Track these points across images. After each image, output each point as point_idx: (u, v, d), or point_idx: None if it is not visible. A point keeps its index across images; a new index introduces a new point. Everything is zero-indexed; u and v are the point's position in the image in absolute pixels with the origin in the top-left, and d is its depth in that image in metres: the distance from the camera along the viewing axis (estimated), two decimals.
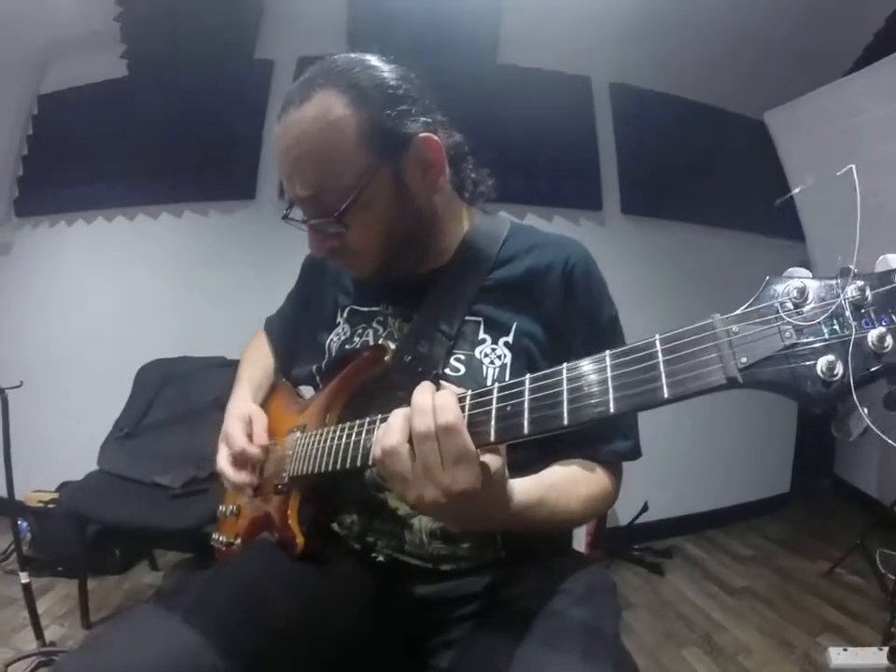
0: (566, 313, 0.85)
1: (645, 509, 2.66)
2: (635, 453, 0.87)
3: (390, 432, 0.59)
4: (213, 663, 0.66)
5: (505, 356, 0.83)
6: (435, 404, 0.56)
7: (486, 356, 0.83)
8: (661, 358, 0.45)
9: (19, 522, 1.79)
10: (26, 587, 1.69)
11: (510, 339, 0.83)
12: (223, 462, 0.91)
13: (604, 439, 0.84)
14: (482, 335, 0.84)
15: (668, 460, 2.47)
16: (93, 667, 0.65)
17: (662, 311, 2.52)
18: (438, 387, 0.60)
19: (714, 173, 2.78)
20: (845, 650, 1.88)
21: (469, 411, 0.56)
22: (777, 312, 0.42)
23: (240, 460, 0.90)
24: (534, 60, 2.65)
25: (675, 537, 2.87)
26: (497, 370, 0.82)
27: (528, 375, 0.53)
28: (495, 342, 0.83)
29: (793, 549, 2.74)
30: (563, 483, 0.78)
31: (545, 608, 0.73)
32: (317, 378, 0.94)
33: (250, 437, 0.92)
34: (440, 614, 0.81)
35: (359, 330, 0.92)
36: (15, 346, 2.75)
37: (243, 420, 0.94)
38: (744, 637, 2.06)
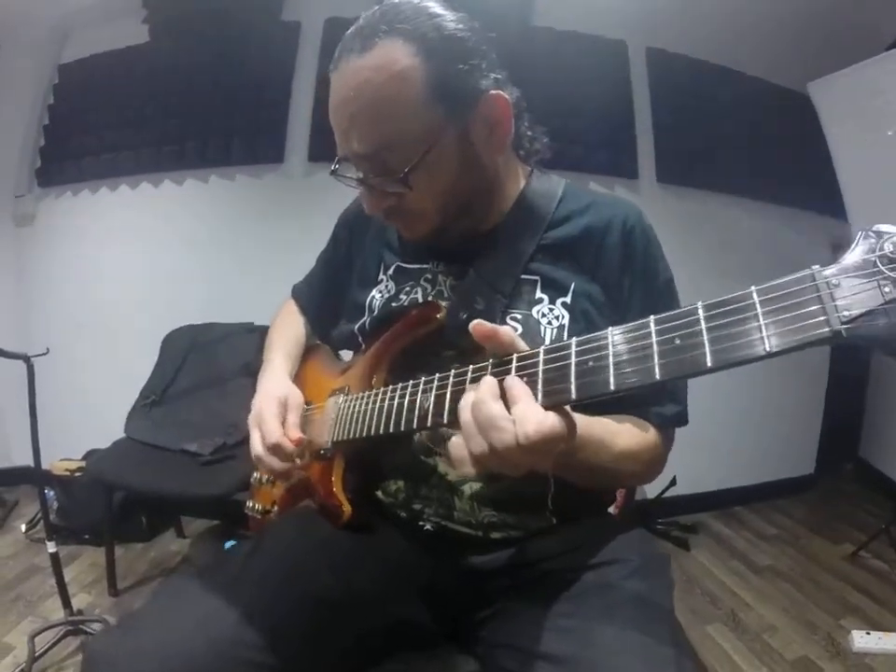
0: (624, 273, 0.82)
1: (673, 483, 2.60)
2: (682, 419, 0.85)
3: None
4: (253, 640, 0.65)
5: (563, 316, 0.80)
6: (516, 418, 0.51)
7: (544, 315, 0.80)
8: (759, 310, 0.42)
9: (45, 490, 1.78)
10: (53, 556, 1.69)
11: (568, 299, 0.80)
12: (258, 448, 0.82)
13: (655, 401, 0.81)
14: (539, 294, 0.81)
15: (697, 436, 2.43)
16: (128, 648, 0.63)
17: (698, 281, 2.43)
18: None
19: (752, 143, 2.69)
20: (868, 633, 1.87)
21: (543, 366, 0.53)
22: (876, 265, 0.40)
23: (274, 451, 0.82)
24: (569, 23, 2.57)
25: (700, 512, 2.84)
26: (556, 330, 0.79)
27: (610, 328, 0.50)
28: (552, 301, 0.80)
29: (817, 530, 2.71)
30: (614, 425, 0.75)
31: (599, 580, 0.72)
32: (360, 338, 0.90)
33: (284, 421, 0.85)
34: (488, 585, 0.79)
35: (406, 288, 0.88)
36: (41, 315, 2.76)
37: (277, 402, 0.85)
38: (769, 615, 2.05)
